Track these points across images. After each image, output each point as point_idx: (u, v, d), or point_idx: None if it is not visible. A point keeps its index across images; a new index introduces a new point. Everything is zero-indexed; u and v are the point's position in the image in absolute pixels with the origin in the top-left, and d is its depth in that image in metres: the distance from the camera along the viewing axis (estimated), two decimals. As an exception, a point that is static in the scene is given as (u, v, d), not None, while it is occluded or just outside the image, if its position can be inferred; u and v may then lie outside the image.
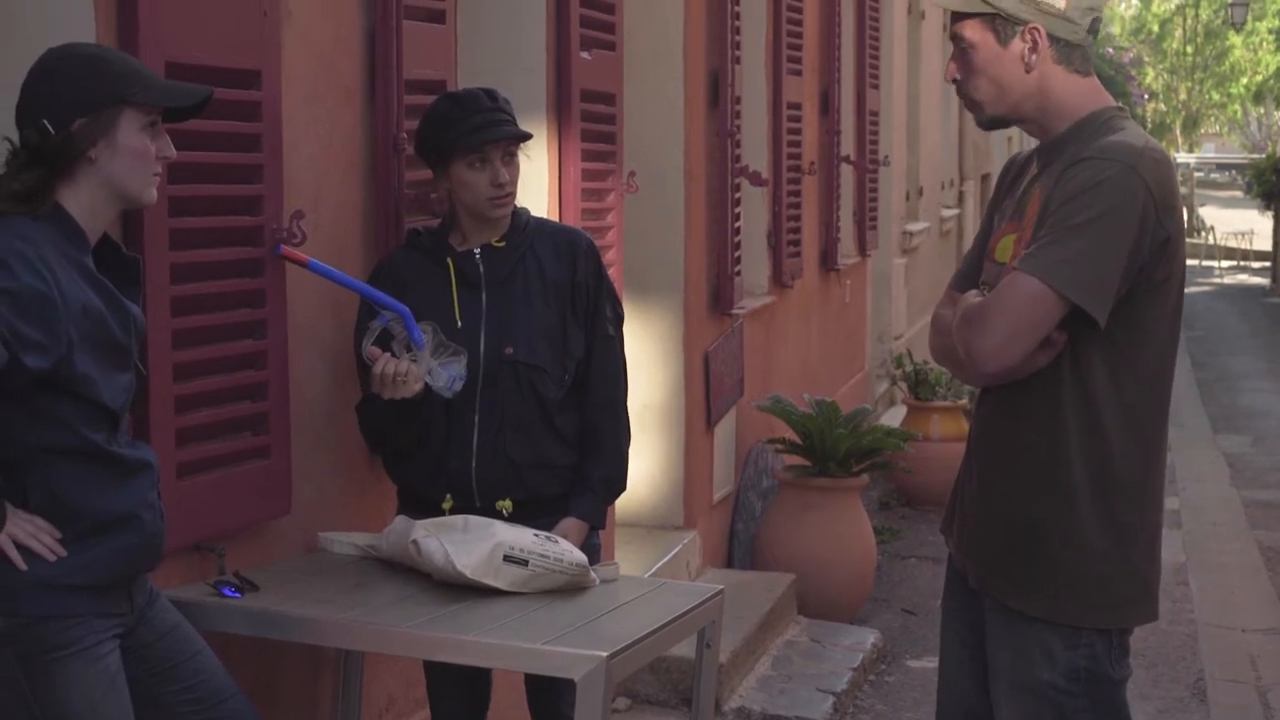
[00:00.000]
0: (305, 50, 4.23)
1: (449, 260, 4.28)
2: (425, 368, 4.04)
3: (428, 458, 4.26)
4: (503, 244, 4.30)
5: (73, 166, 3.18)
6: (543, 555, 3.89)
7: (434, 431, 4.23)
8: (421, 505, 4.25)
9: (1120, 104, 3.67)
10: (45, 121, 3.15)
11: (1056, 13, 3.48)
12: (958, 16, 3.54)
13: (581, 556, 3.97)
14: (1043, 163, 3.56)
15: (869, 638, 7.33)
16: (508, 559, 3.85)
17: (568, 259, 4.33)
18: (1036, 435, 3.49)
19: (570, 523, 4.27)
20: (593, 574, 4.00)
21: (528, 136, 4.31)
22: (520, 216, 4.36)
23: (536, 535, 3.95)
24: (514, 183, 4.28)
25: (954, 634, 3.81)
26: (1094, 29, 3.54)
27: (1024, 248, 3.43)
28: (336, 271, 4.15)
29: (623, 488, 4.45)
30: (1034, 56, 3.48)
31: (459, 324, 4.23)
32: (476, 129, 4.20)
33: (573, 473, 4.34)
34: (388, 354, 4.05)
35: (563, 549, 3.95)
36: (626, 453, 4.44)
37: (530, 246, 4.32)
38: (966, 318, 3.42)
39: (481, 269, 4.28)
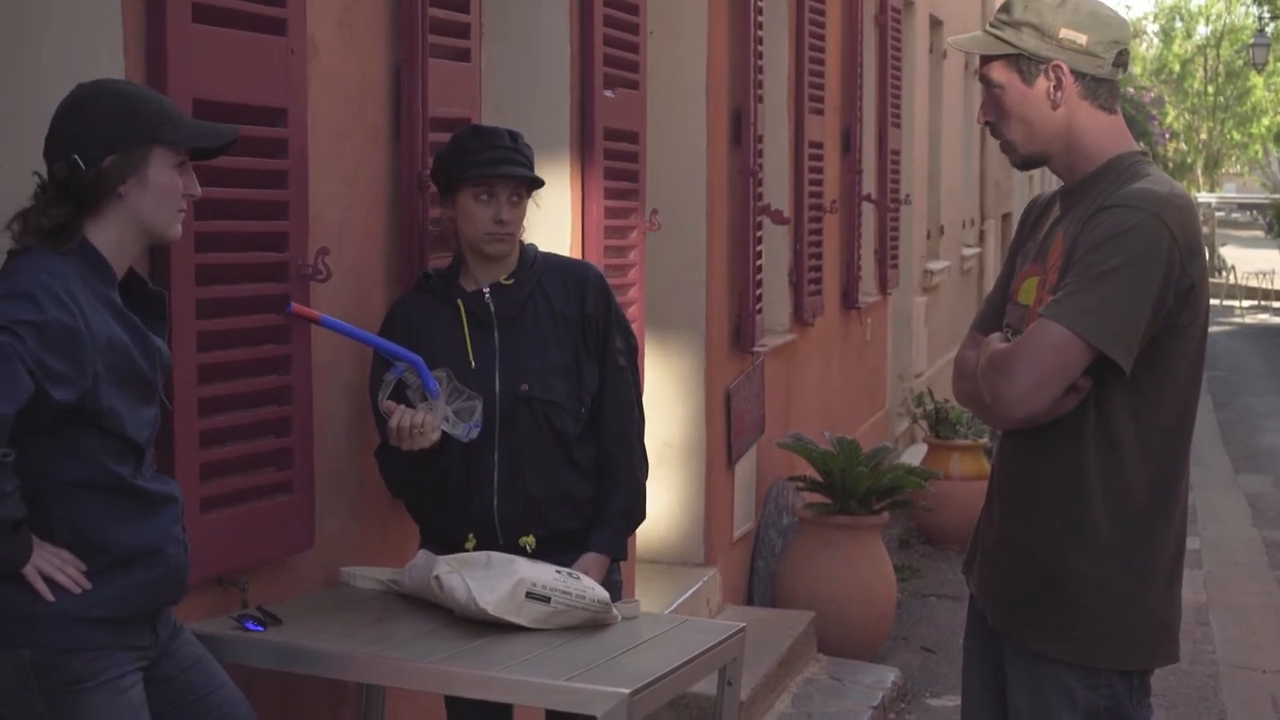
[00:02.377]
0: (332, 88, 4.26)
1: (459, 301, 4.30)
2: (441, 416, 4.04)
3: (449, 499, 4.27)
4: (511, 281, 4.31)
5: (101, 202, 3.20)
6: (565, 592, 3.89)
7: (454, 473, 4.24)
8: (445, 544, 4.24)
9: (1142, 145, 3.67)
10: (76, 157, 3.17)
11: (1079, 48, 3.49)
12: (984, 60, 3.57)
13: (603, 593, 3.98)
14: (1065, 206, 3.57)
15: (889, 676, 7.32)
16: (530, 596, 3.85)
17: (577, 293, 4.34)
18: (1058, 478, 3.49)
19: (591, 558, 4.27)
20: (614, 611, 4.00)
21: (538, 182, 4.32)
22: (528, 253, 4.37)
23: (559, 572, 3.95)
24: (516, 225, 4.29)
25: (975, 674, 3.80)
26: (1121, 63, 3.54)
27: (1048, 292, 3.43)
28: (349, 326, 4.15)
29: (641, 518, 4.45)
30: (1059, 94, 3.49)
31: (473, 364, 4.24)
32: (488, 163, 4.23)
33: (593, 506, 4.35)
34: (403, 407, 4.05)
35: (585, 585, 3.95)
36: (643, 483, 4.44)
37: (539, 282, 4.33)
38: (993, 363, 3.43)
39: (492, 307, 4.29)
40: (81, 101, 3.22)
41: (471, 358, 4.25)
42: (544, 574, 3.92)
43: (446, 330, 4.27)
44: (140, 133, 3.21)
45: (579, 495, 4.32)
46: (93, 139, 3.18)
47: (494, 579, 3.88)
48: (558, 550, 4.21)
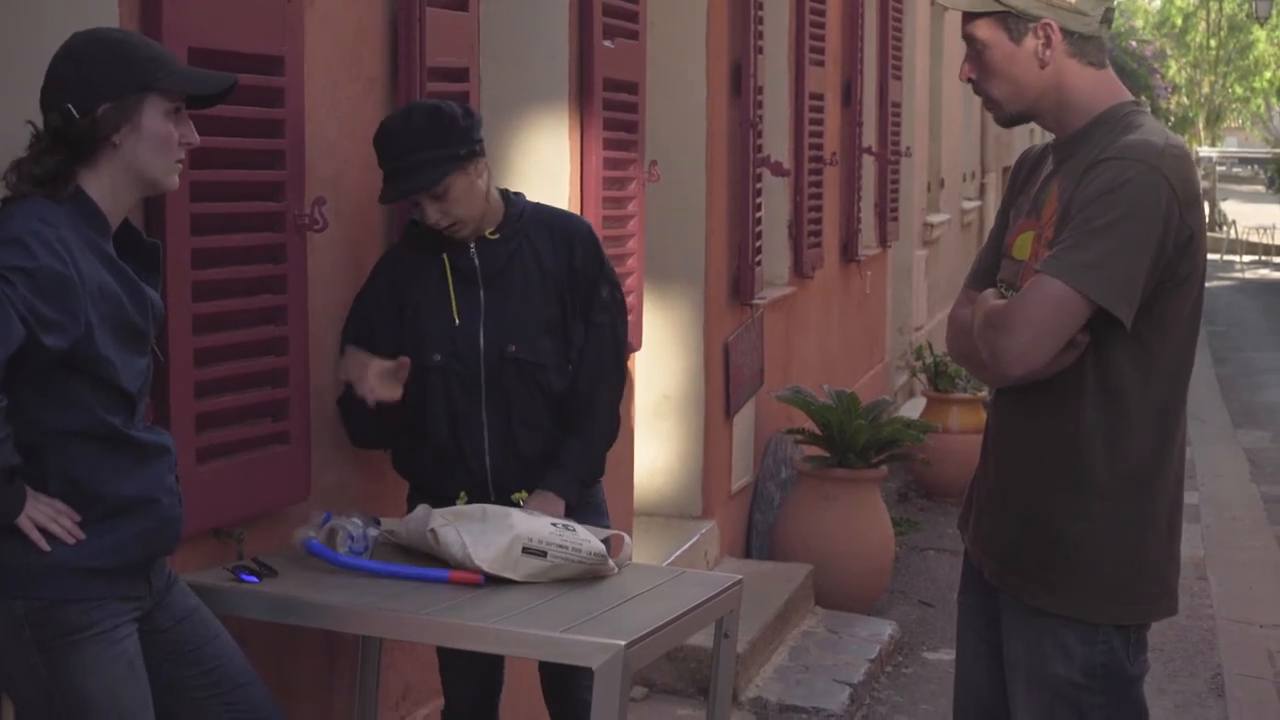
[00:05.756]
0: (328, 37, 4.23)
1: (444, 256, 4.27)
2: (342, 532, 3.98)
3: (440, 457, 4.26)
4: (497, 235, 4.27)
5: (96, 151, 3.19)
6: (561, 545, 3.88)
7: (439, 434, 4.23)
8: (434, 501, 4.19)
9: (1139, 98, 3.64)
10: (69, 106, 3.15)
11: (1068, 6, 3.46)
12: (969, 17, 3.53)
13: (599, 546, 3.97)
14: (1059, 159, 3.55)
15: (886, 629, 7.33)
16: (526, 551, 3.85)
17: (565, 247, 4.30)
18: (1055, 431, 3.48)
19: (548, 497, 4.23)
20: (611, 563, 4.00)
21: (449, 170, 4.12)
22: (515, 205, 4.32)
23: (554, 524, 3.94)
24: (460, 210, 4.15)
25: (971, 628, 3.80)
26: (1107, 19, 3.52)
27: (1043, 246, 3.41)
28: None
29: (599, 474, 4.41)
30: (1048, 52, 3.47)
31: (457, 321, 4.22)
32: (388, 181, 4.16)
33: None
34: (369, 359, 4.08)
35: (580, 538, 3.94)
36: (604, 445, 4.39)
37: (526, 236, 4.29)
38: (990, 320, 3.41)
39: (477, 263, 4.25)
40: (76, 50, 3.21)
41: (456, 315, 4.22)
42: (540, 528, 3.91)
43: (431, 287, 4.24)
44: (133, 80, 3.19)
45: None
46: (85, 87, 3.16)
47: (489, 534, 3.87)
48: (550, 504, 4.21)
